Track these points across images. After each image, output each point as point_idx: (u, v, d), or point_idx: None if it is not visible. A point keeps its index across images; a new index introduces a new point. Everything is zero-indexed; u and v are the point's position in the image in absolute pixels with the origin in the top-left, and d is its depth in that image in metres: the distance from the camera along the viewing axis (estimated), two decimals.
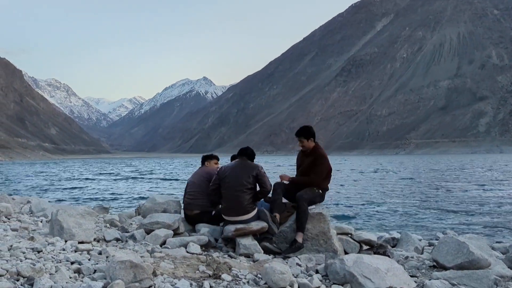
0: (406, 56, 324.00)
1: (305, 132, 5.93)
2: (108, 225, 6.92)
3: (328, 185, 6.11)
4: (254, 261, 4.99)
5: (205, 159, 6.75)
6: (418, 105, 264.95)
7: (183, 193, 6.55)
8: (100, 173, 46.21)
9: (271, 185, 5.77)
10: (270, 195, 5.98)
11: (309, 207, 5.69)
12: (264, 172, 5.69)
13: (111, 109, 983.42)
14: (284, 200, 5.90)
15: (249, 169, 5.63)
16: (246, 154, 5.85)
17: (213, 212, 6.00)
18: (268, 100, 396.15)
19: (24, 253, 4.31)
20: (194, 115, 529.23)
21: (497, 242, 8.10)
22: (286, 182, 5.85)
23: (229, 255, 5.19)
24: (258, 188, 5.75)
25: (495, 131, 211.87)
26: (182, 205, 6.49)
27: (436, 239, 7.53)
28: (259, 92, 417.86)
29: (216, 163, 6.68)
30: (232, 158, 6.44)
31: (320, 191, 5.88)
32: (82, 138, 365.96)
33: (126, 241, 5.52)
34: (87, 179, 35.96)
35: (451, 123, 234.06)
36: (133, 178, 37.12)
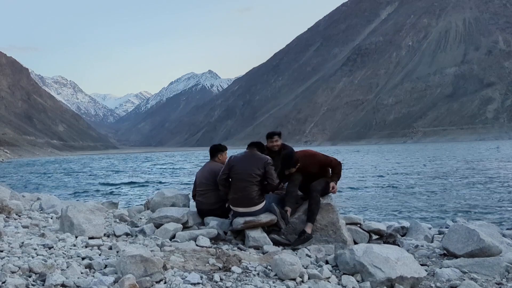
0: (411, 44, 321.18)
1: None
2: (117, 220, 6.95)
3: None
4: (263, 253, 5.00)
5: (216, 151, 6.39)
6: (425, 93, 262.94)
7: (190, 187, 6.54)
8: None
9: (278, 180, 5.70)
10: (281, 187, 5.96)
11: None
12: (272, 166, 5.59)
13: (118, 105, 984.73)
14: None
15: (258, 160, 5.57)
16: (256, 145, 5.80)
17: (227, 205, 5.97)
18: (274, 91, 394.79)
19: (35, 249, 4.34)
20: (200, 109, 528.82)
21: (507, 229, 8.07)
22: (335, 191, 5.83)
23: (238, 248, 5.20)
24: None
25: (504, 117, 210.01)
26: (191, 199, 6.47)
27: (446, 227, 7.51)
28: (265, 84, 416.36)
29: (226, 154, 6.41)
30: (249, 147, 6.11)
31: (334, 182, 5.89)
32: (89, 134, 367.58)
33: (136, 235, 5.55)
34: None
35: (458, 110, 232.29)
36: None
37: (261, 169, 5.51)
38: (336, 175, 5.85)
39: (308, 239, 5.44)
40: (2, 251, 4.18)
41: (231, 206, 5.69)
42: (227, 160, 5.90)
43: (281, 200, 5.74)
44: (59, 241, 4.81)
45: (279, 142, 6.29)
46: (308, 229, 5.49)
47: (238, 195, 5.53)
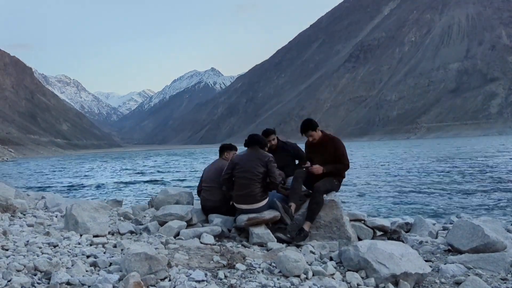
0: (414, 39, 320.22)
1: (311, 125, 5.96)
2: (122, 218, 6.98)
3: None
4: (267, 250, 5.01)
5: (224, 149, 6.47)
6: (428, 88, 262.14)
7: (195, 184, 6.55)
8: None
9: (280, 177, 5.75)
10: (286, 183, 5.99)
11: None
12: (275, 164, 5.64)
13: (121, 103, 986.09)
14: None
15: (260, 158, 5.61)
16: (257, 142, 5.81)
17: (231, 203, 5.99)
18: (277, 88, 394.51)
19: (40, 248, 4.35)
20: (203, 107, 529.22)
21: None
22: (319, 172, 5.75)
23: (242, 245, 5.21)
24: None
25: (508, 112, 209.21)
26: (196, 196, 6.48)
27: (450, 223, 7.49)
28: (268, 81, 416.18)
29: (235, 154, 6.45)
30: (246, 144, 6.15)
31: (337, 181, 5.89)
32: (93, 132, 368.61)
33: (140, 233, 5.56)
34: None
35: (462, 105, 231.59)
36: None
37: (263, 166, 5.55)
38: (335, 168, 5.84)
39: (305, 237, 5.48)
40: (7, 250, 4.20)
41: (235, 204, 5.72)
42: (230, 159, 5.94)
43: (285, 197, 5.76)
44: (64, 239, 4.83)
45: (275, 141, 6.43)
46: (306, 227, 5.53)
47: (241, 193, 5.57)
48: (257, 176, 5.51)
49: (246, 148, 5.88)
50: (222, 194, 5.98)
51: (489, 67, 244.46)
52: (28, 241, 4.58)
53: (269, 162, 5.57)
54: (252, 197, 5.48)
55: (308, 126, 5.96)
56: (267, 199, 5.55)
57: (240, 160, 5.70)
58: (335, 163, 5.83)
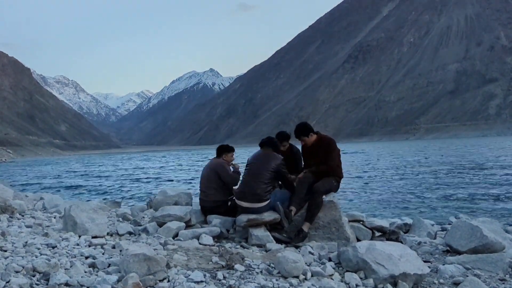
0: (413, 40, 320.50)
1: (304, 131, 5.95)
2: (120, 219, 6.97)
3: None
4: (266, 251, 5.01)
5: (223, 151, 6.44)
6: (427, 89, 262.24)
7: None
8: None
9: (291, 177, 5.80)
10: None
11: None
12: (284, 165, 5.68)
13: (120, 104, 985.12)
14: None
15: (271, 160, 5.63)
16: (272, 145, 5.84)
17: (229, 203, 5.99)
18: (276, 89, 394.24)
19: (39, 249, 4.35)
20: (202, 107, 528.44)
21: (510, 225, 8.04)
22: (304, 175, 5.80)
23: (241, 246, 5.21)
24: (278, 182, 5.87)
25: (506, 113, 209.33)
26: (198, 198, 6.49)
27: (449, 224, 7.49)
28: (266, 82, 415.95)
29: (232, 156, 6.52)
30: (260, 145, 6.13)
31: (336, 181, 5.88)
32: (92, 133, 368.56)
33: (139, 234, 5.56)
34: None
35: (461, 106, 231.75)
36: None
37: (272, 169, 5.57)
38: (318, 169, 5.82)
39: (304, 238, 5.50)
40: (6, 251, 4.20)
41: (236, 200, 5.71)
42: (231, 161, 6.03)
43: (287, 199, 5.75)
44: (62, 240, 4.83)
45: (285, 148, 6.44)
46: (306, 228, 5.54)
47: (244, 189, 5.58)
48: (264, 176, 5.52)
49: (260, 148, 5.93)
50: (217, 195, 6.00)
51: (487, 68, 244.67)
52: (26, 242, 4.58)
53: (280, 165, 5.62)
54: (254, 196, 5.48)
55: (301, 132, 5.96)
56: (268, 201, 5.54)
57: (251, 160, 5.77)
58: (324, 161, 5.85)
